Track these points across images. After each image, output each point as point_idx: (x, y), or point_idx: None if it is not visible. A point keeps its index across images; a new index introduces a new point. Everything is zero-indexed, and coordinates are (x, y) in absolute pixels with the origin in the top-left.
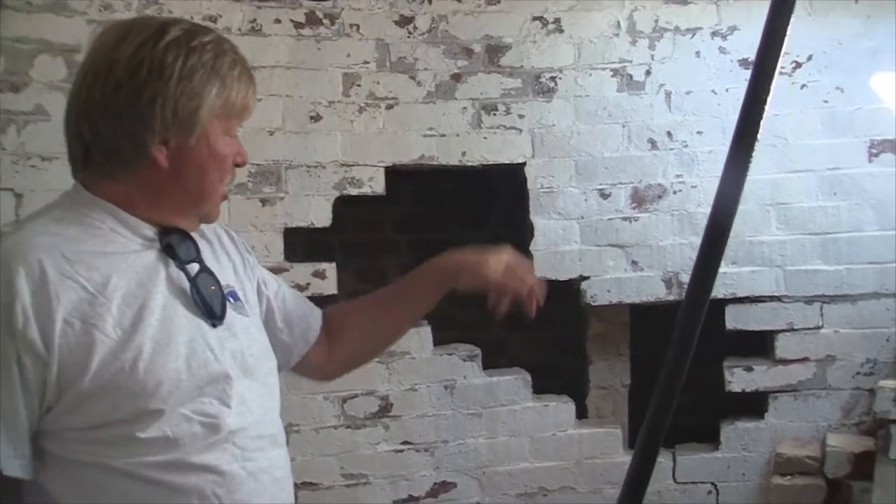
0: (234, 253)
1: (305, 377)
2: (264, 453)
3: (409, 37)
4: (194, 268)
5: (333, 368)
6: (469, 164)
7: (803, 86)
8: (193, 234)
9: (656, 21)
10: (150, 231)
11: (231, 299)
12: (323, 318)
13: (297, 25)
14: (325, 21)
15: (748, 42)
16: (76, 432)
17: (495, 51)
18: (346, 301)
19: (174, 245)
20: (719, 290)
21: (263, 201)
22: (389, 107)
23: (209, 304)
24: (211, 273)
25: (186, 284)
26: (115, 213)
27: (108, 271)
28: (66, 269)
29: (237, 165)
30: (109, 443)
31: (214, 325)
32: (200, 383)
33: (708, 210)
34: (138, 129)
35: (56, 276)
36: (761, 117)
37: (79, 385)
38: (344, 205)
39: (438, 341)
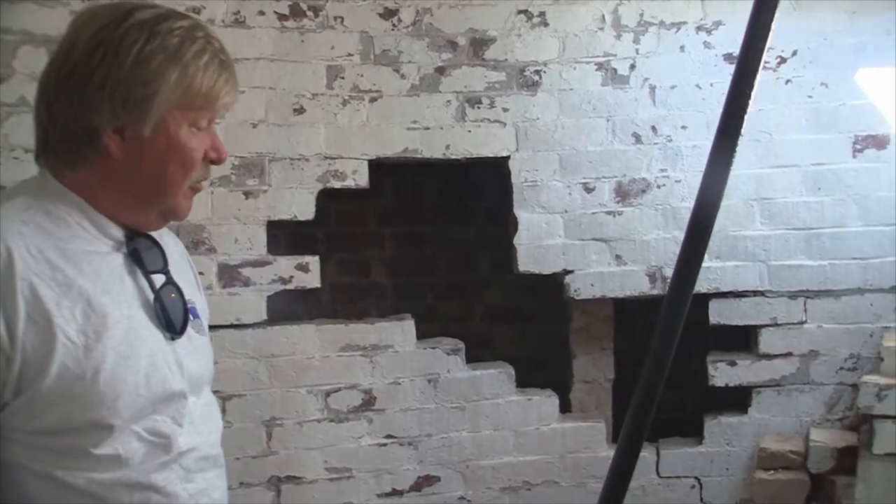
0: (184, 261)
1: None
2: (204, 474)
3: (393, 29)
4: (160, 279)
5: None
6: (453, 157)
7: (788, 81)
8: (160, 241)
9: (641, 15)
10: (117, 232)
11: (192, 316)
12: None
13: (281, 17)
14: (309, 13)
15: (733, 37)
16: (25, 435)
17: (480, 44)
18: None
19: (141, 252)
20: (702, 285)
21: (246, 194)
22: (373, 99)
23: (171, 318)
24: (176, 286)
25: (150, 295)
26: (81, 207)
27: (73, 273)
28: (32, 264)
29: (212, 162)
30: (58, 452)
31: (173, 339)
32: (156, 400)
33: (692, 205)
34: (87, 113)
35: (23, 269)
36: (745, 112)
37: (36, 386)
38: (327, 197)
39: (422, 334)
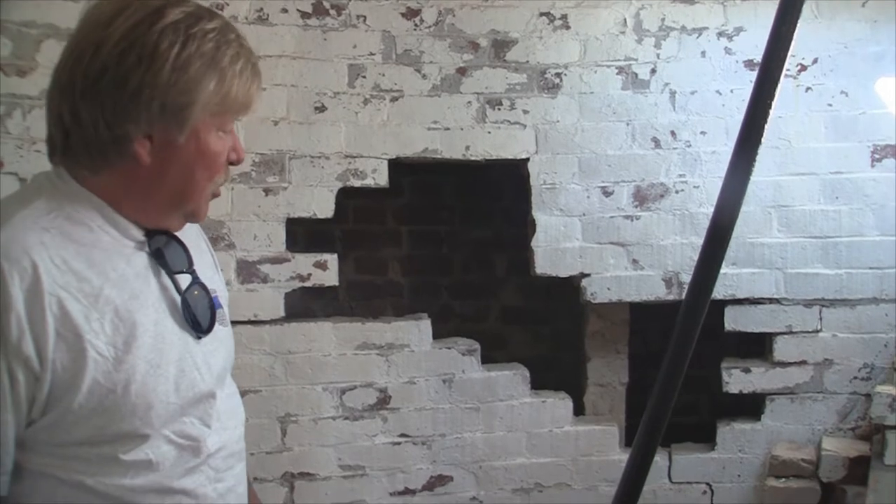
0: (206, 249)
1: None
2: (232, 471)
3: (415, 29)
4: (185, 279)
5: None
6: (473, 158)
7: (808, 89)
8: (180, 236)
9: (663, 20)
10: (137, 233)
11: (216, 306)
12: None
13: (304, 15)
14: (332, 12)
15: (754, 43)
16: (55, 447)
17: (501, 45)
18: None
19: (164, 251)
20: (719, 291)
21: (267, 191)
22: (394, 99)
23: (197, 318)
24: (202, 284)
25: (176, 297)
26: (102, 211)
27: (99, 282)
28: (58, 276)
29: (231, 163)
30: (88, 461)
31: (199, 339)
32: (185, 404)
33: (710, 210)
34: (120, 121)
35: (50, 284)
36: (766, 121)
37: (67, 403)
38: (345, 195)
39: (436, 334)
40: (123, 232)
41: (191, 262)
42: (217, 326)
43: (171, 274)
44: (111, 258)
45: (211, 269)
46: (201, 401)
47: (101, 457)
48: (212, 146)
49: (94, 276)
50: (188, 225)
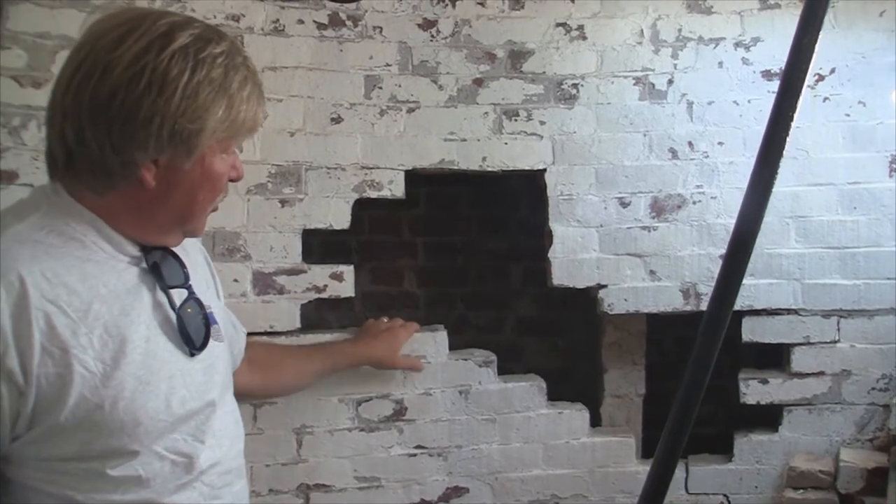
0: (203, 262)
1: None
2: (230, 488)
3: (431, 40)
4: (181, 294)
5: (258, 392)
6: (489, 169)
7: (825, 99)
8: (178, 250)
9: (679, 30)
10: (133, 249)
11: (211, 322)
12: (248, 351)
13: (320, 26)
14: (349, 23)
15: (771, 53)
16: (42, 461)
17: (518, 56)
18: (265, 343)
19: (160, 266)
20: (737, 302)
21: (283, 202)
22: (411, 110)
23: (191, 334)
24: (197, 300)
25: (170, 313)
26: (97, 227)
27: (89, 297)
28: (48, 290)
29: (232, 180)
30: (76, 476)
31: (193, 355)
32: (176, 421)
33: (727, 221)
34: (129, 147)
35: (37, 299)
36: (787, 133)
37: (53, 418)
38: (361, 206)
39: (452, 345)
40: (118, 247)
41: (187, 277)
42: (211, 342)
43: (167, 289)
44: (103, 274)
45: (206, 284)
46: (193, 417)
47: (89, 472)
48: (216, 168)
49: (85, 290)
50: (191, 244)
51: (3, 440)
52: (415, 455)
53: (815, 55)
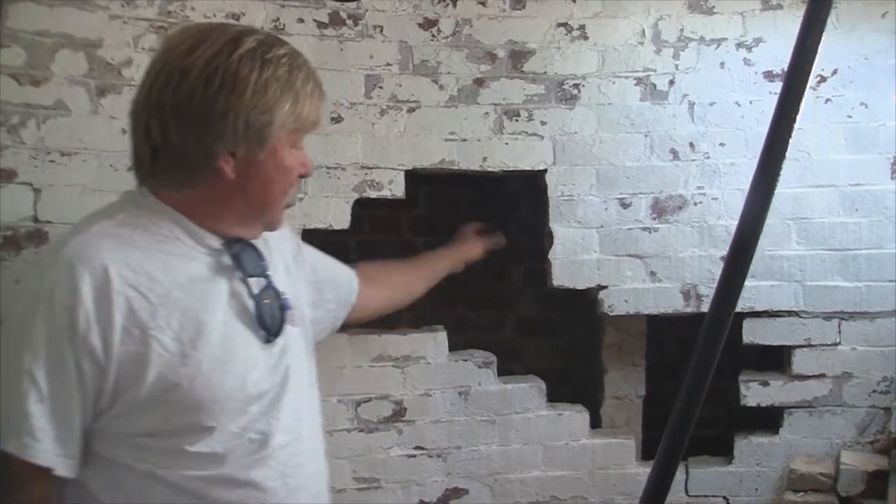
0: (287, 249)
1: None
2: (303, 469)
3: (432, 40)
4: (260, 282)
5: (362, 316)
6: (490, 169)
7: (827, 100)
8: (259, 243)
9: (681, 31)
10: (215, 241)
11: (286, 307)
12: (361, 275)
13: (321, 25)
14: (349, 22)
15: (773, 54)
16: (125, 437)
17: (519, 56)
18: (373, 262)
19: (239, 256)
20: (738, 304)
21: None
22: (411, 110)
23: (267, 322)
24: (273, 287)
25: (247, 300)
26: (180, 223)
27: (169, 284)
28: (130, 276)
29: (301, 176)
30: (158, 452)
31: (269, 342)
32: (252, 400)
33: (728, 222)
34: (209, 139)
35: (119, 283)
36: (790, 135)
37: (133, 394)
38: (361, 206)
39: (452, 345)
40: (199, 240)
41: (265, 268)
42: (286, 327)
43: (246, 279)
44: (184, 264)
45: (288, 269)
46: (268, 397)
47: (169, 448)
48: (287, 161)
49: (166, 279)
50: (278, 235)
51: (89, 415)
52: (414, 456)
53: (817, 56)
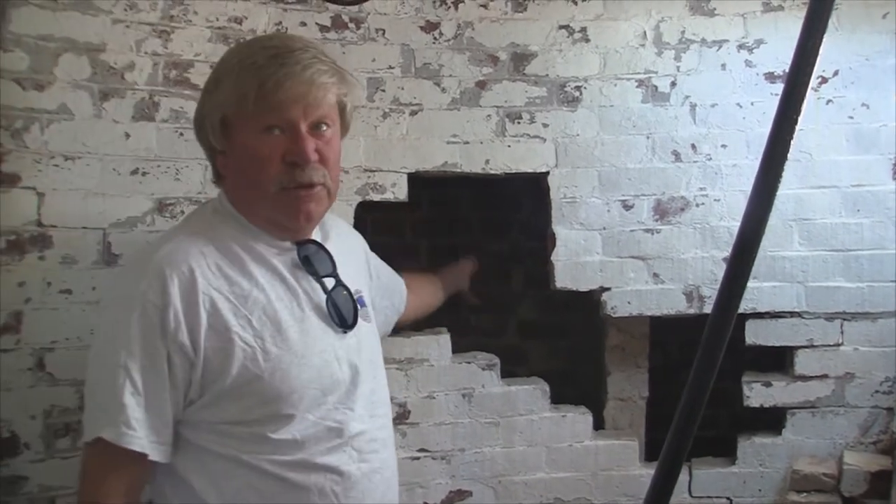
0: (360, 253)
1: None
2: (377, 455)
3: (434, 43)
4: (330, 282)
5: (413, 315)
6: (492, 171)
7: (829, 101)
8: (329, 241)
9: (683, 32)
10: (286, 244)
11: (359, 305)
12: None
13: (323, 29)
14: (351, 25)
15: (775, 56)
16: (212, 425)
17: (521, 59)
18: (409, 271)
19: (311, 258)
20: (740, 305)
21: None
22: (413, 113)
23: (343, 315)
24: (345, 286)
25: (322, 297)
26: (250, 230)
27: (249, 286)
28: (213, 280)
29: (293, 163)
30: (242, 438)
31: (346, 332)
32: (328, 391)
33: (731, 224)
34: (204, 146)
35: (204, 286)
36: (791, 137)
37: (219, 385)
38: (364, 208)
39: (454, 348)
40: (270, 244)
41: (335, 267)
42: (360, 322)
43: (319, 277)
44: (262, 266)
45: (357, 270)
46: (343, 387)
47: (253, 435)
48: (251, 146)
49: (245, 281)
50: (346, 234)
51: (180, 405)
52: (418, 458)
53: (818, 58)
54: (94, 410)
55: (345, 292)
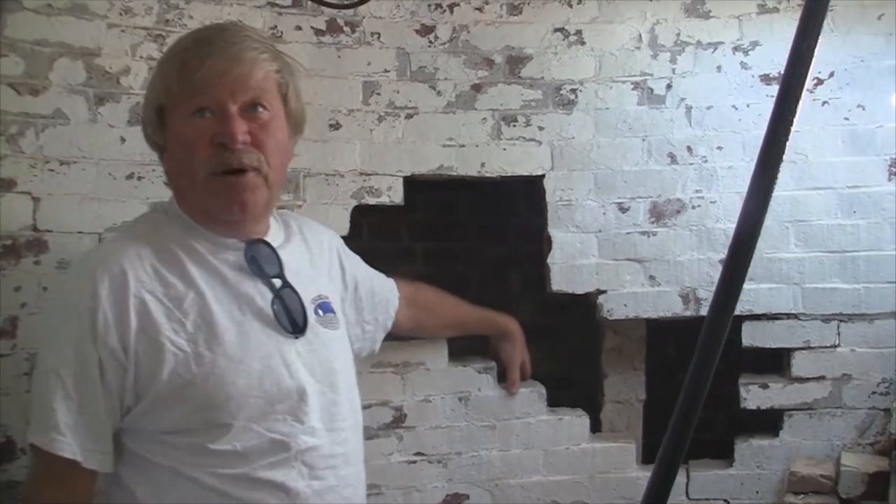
0: (334, 259)
1: None
2: (335, 472)
3: (429, 46)
4: (276, 283)
5: (411, 330)
6: (488, 175)
7: (824, 103)
8: (291, 243)
9: (678, 35)
10: (233, 242)
11: (321, 311)
12: (401, 295)
13: (318, 33)
14: (346, 29)
15: (770, 57)
16: (153, 434)
17: (516, 62)
18: (423, 286)
19: (259, 259)
20: (736, 307)
21: (281, 209)
22: (409, 116)
23: (292, 319)
24: (292, 288)
25: (268, 299)
26: (196, 229)
27: (185, 289)
28: (147, 282)
29: (223, 144)
30: (181, 449)
31: (297, 338)
32: (273, 400)
33: (727, 226)
34: (150, 144)
35: (136, 287)
36: (787, 138)
37: (153, 391)
38: (360, 212)
39: (451, 352)
40: (215, 243)
41: (282, 269)
42: (320, 329)
43: (266, 278)
44: (202, 268)
45: (329, 276)
46: (291, 397)
47: (192, 446)
48: (180, 131)
49: (182, 283)
50: (317, 234)
51: (117, 411)
52: (414, 462)
53: (814, 59)
54: (31, 416)
55: (292, 295)
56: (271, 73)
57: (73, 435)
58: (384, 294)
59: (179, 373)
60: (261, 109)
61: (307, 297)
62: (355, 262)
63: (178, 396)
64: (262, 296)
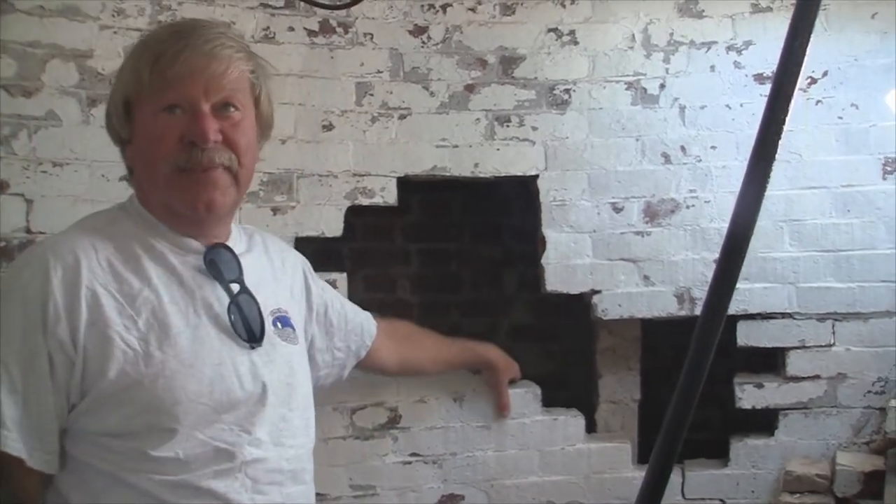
0: (298, 278)
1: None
2: (280, 488)
3: (422, 46)
4: (234, 288)
5: (393, 368)
6: (482, 175)
7: (818, 102)
8: (252, 253)
9: (671, 34)
10: (193, 244)
11: (279, 324)
12: (380, 326)
13: (311, 34)
14: (339, 29)
15: (763, 57)
16: (93, 436)
17: (509, 62)
18: (403, 323)
19: (218, 263)
20: (731, 307)
21: (275, 210)
22: (402, 117)
23: (250, 325)
24: (251, 295)
25: (225, 304)
26: (157, 227)
27: (140, 285)
28: (100, 275)
29: (193, 142)
30: (122, 453)
31: (253, 348)
32: (221, 409)
33: (721, 225)
34: (113, 137)
35: (89, 279)
36: (780, 137)
37: (98, 388)
38: (353, 213)
39: None
40: (174, 242)
41: (241, 273)
42: (278, 342)
43: (225, 283)
44: (159, 266)
45: (291, 292)
46: (239, 407)
47: (133, 451)
48: (147, 127)
49: (137, 280)
50: (282, 252)
51: (65, 409)
52: (410, 463)
53: (806, 58)
54: None
55: (250, 302)
56: (245, 73)
57: (19, 431)
58: (358, 321)
59: (127, 371)
60: (232, 109)
61: (266, 308)
62: (325, 287)
63: (123, 396)
64: (219, 301)
